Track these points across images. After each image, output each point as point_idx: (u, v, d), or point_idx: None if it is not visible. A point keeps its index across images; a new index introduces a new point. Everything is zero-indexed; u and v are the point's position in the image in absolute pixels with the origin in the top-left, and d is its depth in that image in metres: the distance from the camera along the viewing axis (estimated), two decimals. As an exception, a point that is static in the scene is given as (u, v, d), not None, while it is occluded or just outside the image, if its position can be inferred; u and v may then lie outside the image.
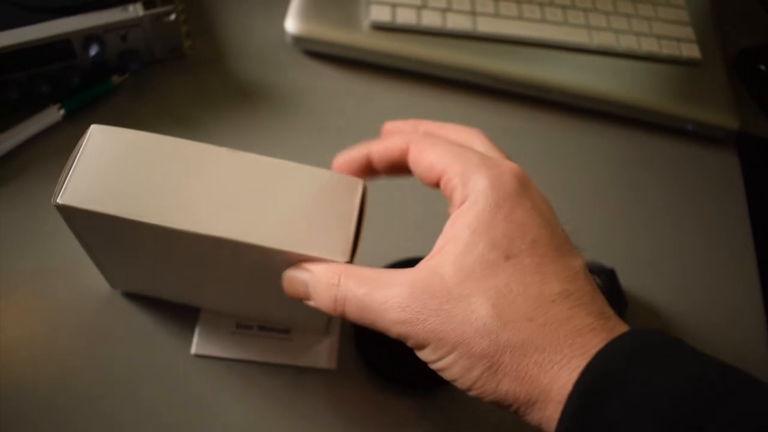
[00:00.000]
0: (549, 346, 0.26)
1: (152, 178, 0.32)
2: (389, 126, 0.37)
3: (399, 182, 0.52)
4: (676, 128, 0.60)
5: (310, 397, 0.42)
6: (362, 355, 0.43)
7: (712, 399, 0.24)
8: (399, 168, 0.34)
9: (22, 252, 0.44)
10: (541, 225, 0.29)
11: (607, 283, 0.47)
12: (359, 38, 0.56)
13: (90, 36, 0.47)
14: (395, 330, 0.29)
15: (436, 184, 0.33)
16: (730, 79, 0.62)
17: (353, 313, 0.30)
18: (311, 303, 0.32)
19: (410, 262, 0.45)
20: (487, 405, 0.28)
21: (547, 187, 0.53)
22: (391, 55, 0.57)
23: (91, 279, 0.43)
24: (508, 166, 0.31)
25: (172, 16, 0.50)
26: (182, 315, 0.43)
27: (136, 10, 0.48)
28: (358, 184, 0.34)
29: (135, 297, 0.44)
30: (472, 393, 0.28)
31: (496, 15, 0.59)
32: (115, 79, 0.51)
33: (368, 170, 0.35)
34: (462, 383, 0.28)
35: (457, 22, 0.58)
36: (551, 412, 0.26)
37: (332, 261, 0.31)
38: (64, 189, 0.31)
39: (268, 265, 0.33)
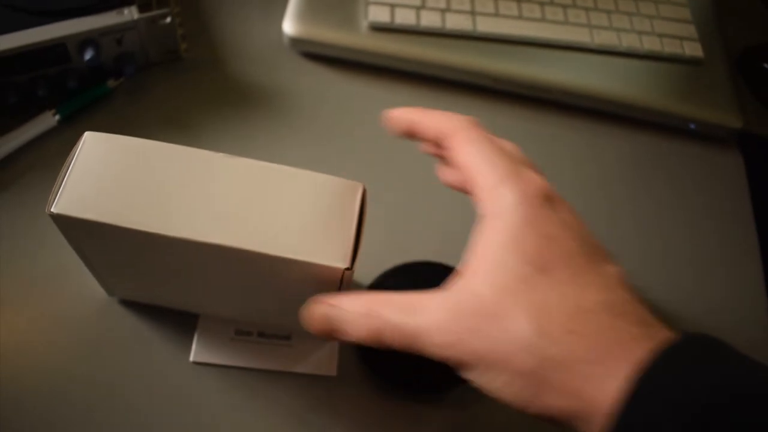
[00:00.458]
0: (592, 358, 0.26)
1: (148, 186, 0.31)
2: (398, 114, 0.37)
3: (397, 186, 0.51)
4: (678, 127, 0.59)
5: (310, 404, 0.42)
6: (364, 361, 0.43)
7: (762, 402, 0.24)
8: (437, 145, 0.35)
9: (17, 260, 0.44)
10: (572, 237, 0.29)
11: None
12: (358, 39, 0.56)
13: (85, 40, 0.47)
14: (438, 353, 0.28)
15: (460, 182, 0.33)
16: (732, 78, 0.61)
17: (392, 340, 0.29)
18: (341, 337, 0.31)
19: (408, 267, 0.45)
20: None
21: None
22: (390, 56, 0.56)
23: (87, 287, 0.42)
24: (535, 180, 0.30)
25: (168, 19, 0.49)
26: (180, 322, 0.43)
27: (131, 13, 0.48)
28: (358, 189, 0.33)
29: (132, 304, 0.43)
30: (515, 407, 0.28)
31: (496, 14, 0.58)
32: (111, 82, 0.50)
33: (412, 134, 0.36)
34: (506, 399, 0.28)
35: (456, 22, 0.57)
36: (599, 424, 0.26)
37: (333, 267, 0.31)
38: (58, 198, 0.31)
39: (267, 270, 0.32)
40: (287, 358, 0.43)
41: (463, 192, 0.35)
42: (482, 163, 0.31)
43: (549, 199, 0.30)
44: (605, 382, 0.25)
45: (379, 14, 0.56)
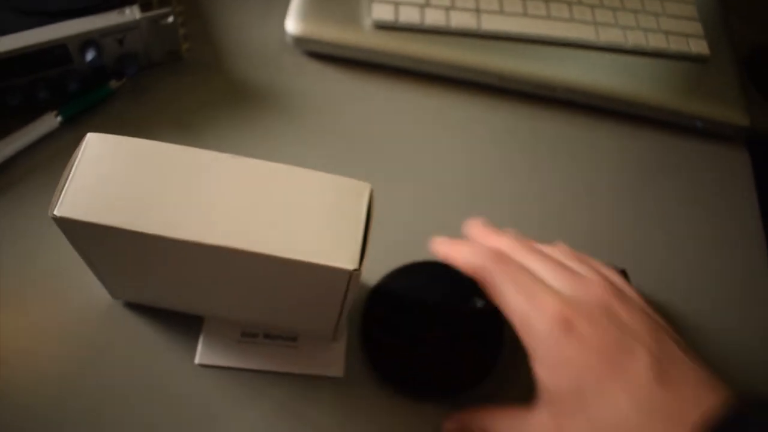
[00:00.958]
0: None
1: (152, 187, 0.31)
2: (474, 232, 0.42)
3: (401, 185, 0.51)
4: (684, 125, 0.59)
5: (317, 406, 0.41)
6: (372, 363, 0.42)
7: None
8: None
9: (20, 263, 0.43)
10: (596, 351, 0.32)
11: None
12: (361, 38, 0.55)
13: (87, 40, 0.46)
14: None
15: None
16: (739, 76, 0.60)
17: None
18: None
19: (412, 268, 0.44)
20: None
21: (554, 187, 0.53)
22: (394, 55, 0.56)
23: (91, 290, 0.42)
24: (549, 308, 0.33)
25: (170, 19, 0.49)
26: (185, 324, 0.42)
27: (133, 13, 0.47)
28: (365, 189, 0.33)
29: (136, 307, 0.43)
30: None
31: (501, 12, 0.58)
32: (113, 83, 0.50)
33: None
34: None
35: (461, 20, 0.56)
36: None
37: (341, 268, 0.30)
38: (61, 201, 0.30)
39: (273, 272, 0.32)
40: (294, 360, 0.42)
41: None
42: (507, 309, 0.35)
43: (565, 322, 0.33)
44: None
45: (382, 12, 0.56)
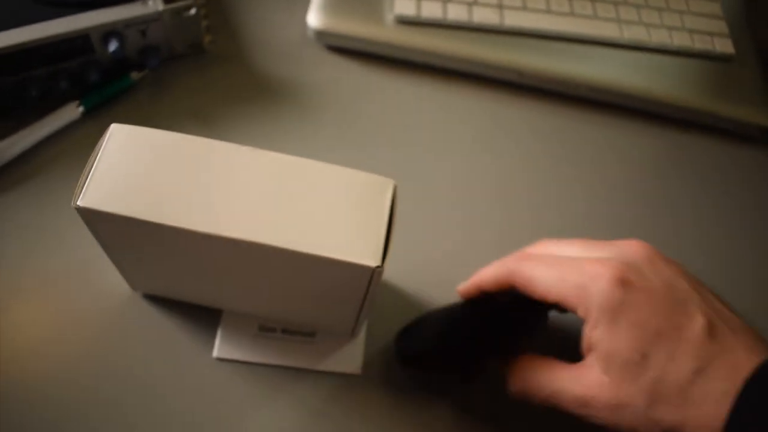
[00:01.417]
0: (700, 422, 0.30)
1: (175, 179, 0.31)
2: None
3: (424, 181, 0.50)
4: (708, 125, 0.58)
5: (334, 402, 0.41)
6: (396, 345, 0.41)
7: None
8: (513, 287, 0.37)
9: (41, 253, 0.43)
10: (655, 312, 0.32)
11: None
12: (383, 33, 0.55)
13: (109, 31, 0.46)
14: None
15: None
16: (764, 75, 0.60)
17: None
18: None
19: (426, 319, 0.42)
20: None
21: (575, 185, 0.52)
22: (416, 50, 0.55)
23: (111, 281, 0.42)
24: (605, 273, 0.33)
25: (193, 11, 0.49)
26: (204, 317, 0.42)
27: (156, 5, 0.47)
28: (389, 185, 0.32)
29: (156, 299, 0.43)
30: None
31: (524, 8, 0.57)
32: (134, 75, 0.50)
33: (486, 292, 0.39)
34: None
35: (483, 15, 0.56)
36: None
37: (364, 265, 0.30)
38: (84, 191, 0.30)
39: (294, 267, 0.32)
40: (311, 356, 0.42)
41: None
42: (552, 289, 0.34)
43: (622, 284, 0.32)
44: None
45: (405, 7, 0.55)
